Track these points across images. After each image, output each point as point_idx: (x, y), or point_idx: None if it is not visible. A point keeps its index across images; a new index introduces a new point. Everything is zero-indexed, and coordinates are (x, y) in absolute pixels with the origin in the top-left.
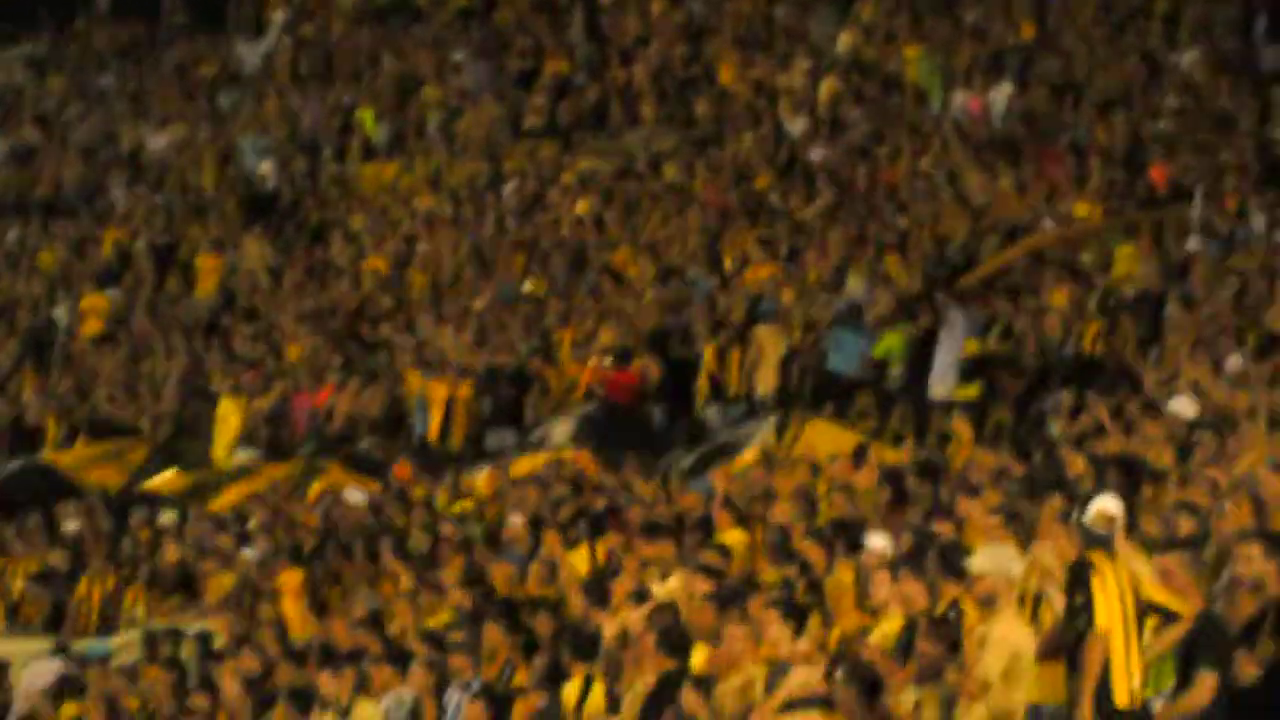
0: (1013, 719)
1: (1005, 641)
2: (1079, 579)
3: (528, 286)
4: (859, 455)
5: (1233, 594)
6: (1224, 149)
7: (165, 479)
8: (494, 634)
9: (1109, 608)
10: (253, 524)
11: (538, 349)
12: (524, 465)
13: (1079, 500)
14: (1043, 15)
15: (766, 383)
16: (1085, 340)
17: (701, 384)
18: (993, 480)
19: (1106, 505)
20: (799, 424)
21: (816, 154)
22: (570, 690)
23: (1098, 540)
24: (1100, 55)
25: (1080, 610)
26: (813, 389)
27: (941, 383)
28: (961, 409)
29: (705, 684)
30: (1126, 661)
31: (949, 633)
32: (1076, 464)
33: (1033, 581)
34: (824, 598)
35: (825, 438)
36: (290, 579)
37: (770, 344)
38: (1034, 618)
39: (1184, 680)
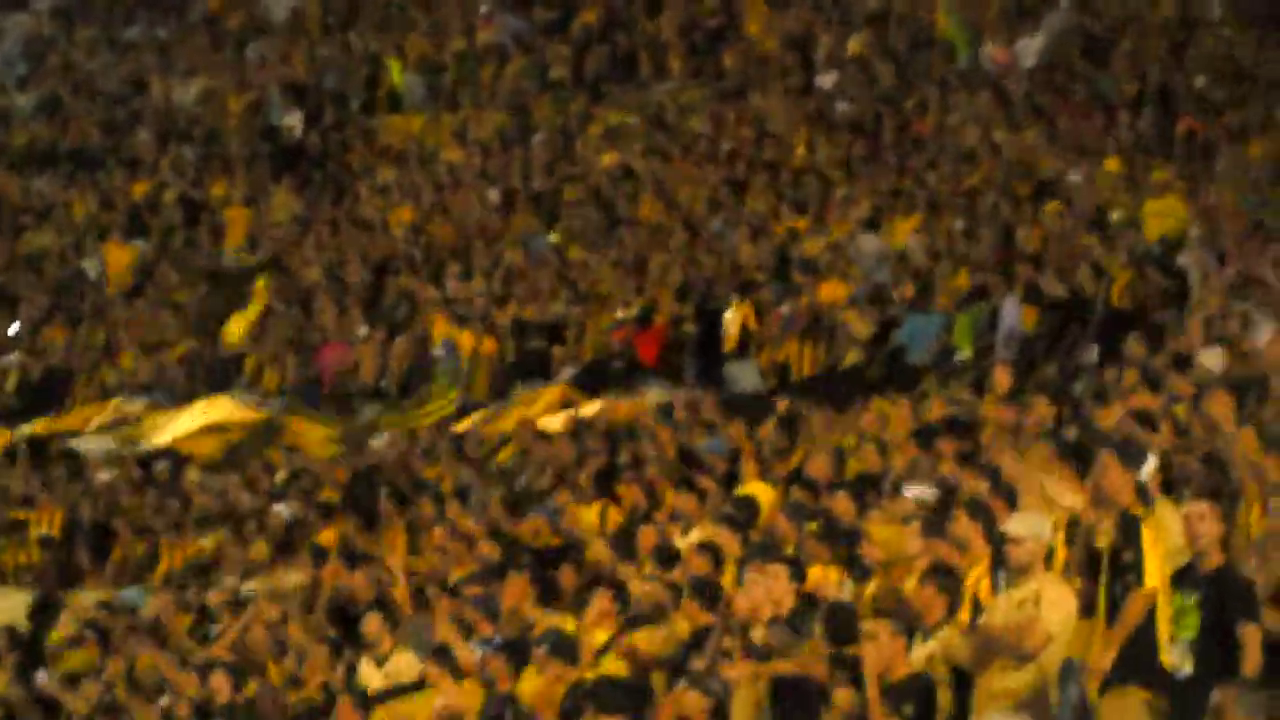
0: (1052, 673)
1: (1060, 601)
2: (1129, 534)
3: (553, 238)
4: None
5: (1265, 549)
6: (1254, 102)
7: (195, 437)
8: (517, 586)
9: (1157, 565)
10: (280, 477)
11: (565, 301)
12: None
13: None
14: None
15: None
16: (1114, 293)
17: (730, 340)
18: (1030, 434)
19: (1151, 461)
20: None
21: (844, 107)
22: (598, 636)
23: (1146, 495)
24: (1130, 7)
25: (1130, 566)
26: (882, 373)
27: (1005, 349)
28: (1003, 362)
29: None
30: (1167, 619)
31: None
32: (1106, 418)
33: (1062, 537)
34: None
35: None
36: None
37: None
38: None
39: (1210, 634)
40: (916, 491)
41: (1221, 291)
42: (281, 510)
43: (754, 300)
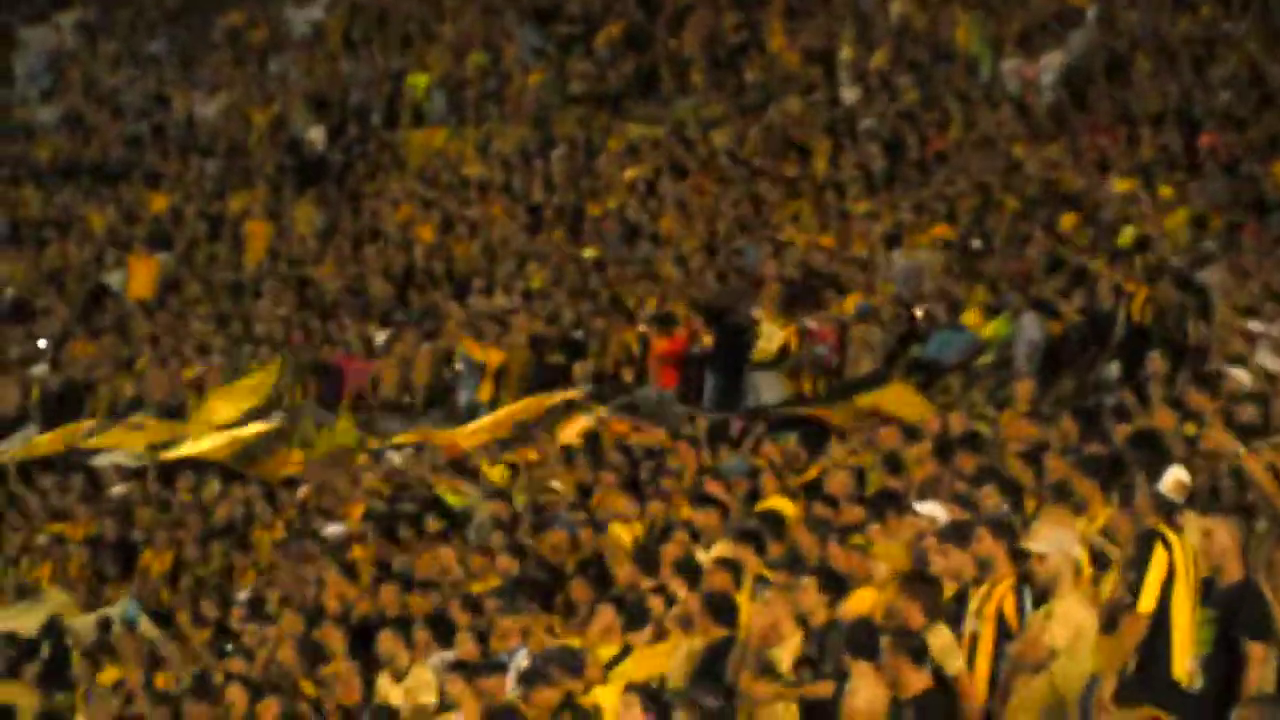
0: (1073, 690)
1: (1070, 616)
2: (1142, 553)
3: (587, 253)
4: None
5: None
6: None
7: (208, 444)
8: (536, 602)
9: (1178, 584)
10: (303, 493)
11: (588, 316)
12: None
13: (1134, 472)
14: None
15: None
16: (1134, 309)
17: (757, 354)
18: (1055, 452)
19: (1181, 474)
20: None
21: (867, 121)
22: (604, 652)
23: (1170, 509)
24: (1152, 24)
25: (1135, 586)
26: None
27: (1025, 364)
28: (1024, 377)
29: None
30: (1188, 635)
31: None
32: (1126, 434)
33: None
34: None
35: (902, 401)
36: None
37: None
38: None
39: (1224, 650)
40: (930, 509)
41: (1243, 308)
42: (328, 529)
43: (783, 312)
